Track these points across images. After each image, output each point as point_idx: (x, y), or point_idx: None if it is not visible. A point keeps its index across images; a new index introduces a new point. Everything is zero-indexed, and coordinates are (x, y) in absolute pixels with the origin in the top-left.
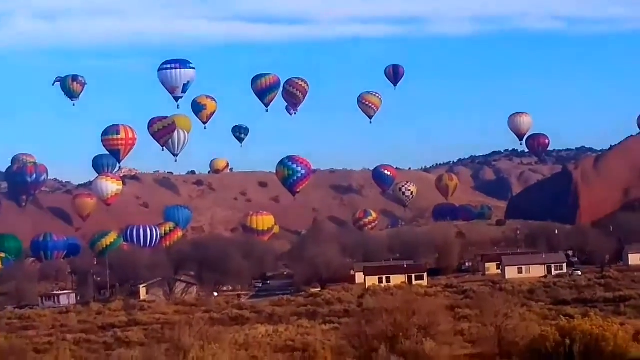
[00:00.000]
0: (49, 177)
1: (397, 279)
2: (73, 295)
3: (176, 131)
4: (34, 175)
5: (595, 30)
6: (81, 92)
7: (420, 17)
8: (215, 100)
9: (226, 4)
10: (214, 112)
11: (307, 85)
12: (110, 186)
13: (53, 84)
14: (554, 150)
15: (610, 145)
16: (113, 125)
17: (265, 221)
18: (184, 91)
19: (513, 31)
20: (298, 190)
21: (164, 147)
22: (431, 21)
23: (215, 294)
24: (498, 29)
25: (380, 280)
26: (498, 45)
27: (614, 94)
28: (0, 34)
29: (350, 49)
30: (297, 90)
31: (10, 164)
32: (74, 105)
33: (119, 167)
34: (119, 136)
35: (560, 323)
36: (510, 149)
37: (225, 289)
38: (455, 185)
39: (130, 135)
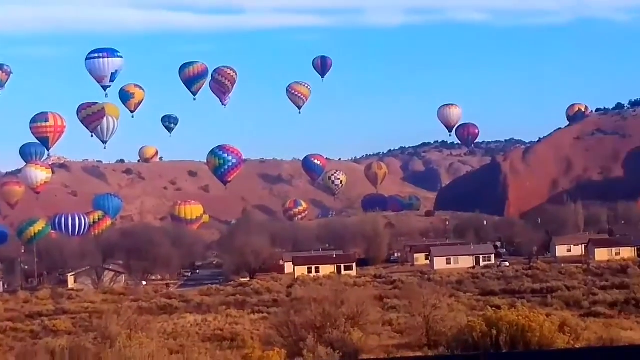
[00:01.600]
0: None
1: (326, 269)
2: (0, 284)
3: (105, 118)
4: None
5: (524, 23)
6: (7, 81)
7: (351, 8)
8: (143, 89)
9: None
10: (141, 101)
11: (236, 74)
12: (40, 174)
13: None
14: (483, 142)
15: (539, 138)
16: (42, 112)
17: (193, 210)
18: (112, 80)
19: (444, 23)
20: (229, 179)
21: (93, 134)
22: (362, 12)
23: (144, 282)
24: (428, 20)
25: (310, 270)
26: (428, 37)
27: (544, 86)
28: None
29: (281, 39)
30: (225, 79)
31: None
32: None
33: (48, 155)
34: (48, 124)
35: (487, 314)
36: (439, 141)
37: (154, 277)
38: (384, 173)
39: (59, 123)
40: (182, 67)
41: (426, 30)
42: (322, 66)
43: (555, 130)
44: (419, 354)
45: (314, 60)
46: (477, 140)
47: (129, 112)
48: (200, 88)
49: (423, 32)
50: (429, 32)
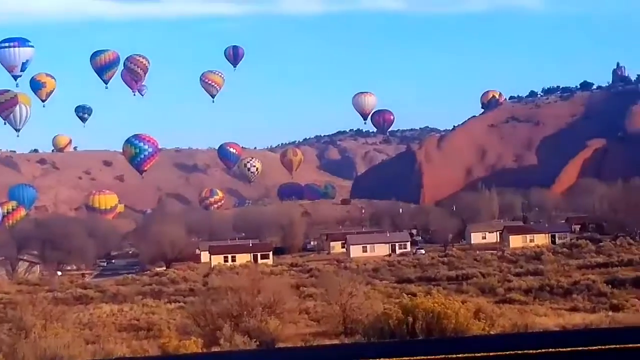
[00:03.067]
0: None
1: (243, 258)
2: None
3: (18, 105)
4: None
5: (436, 10)
6: None
7: None
8: (54, 79)
9: None
10: (53, 90)
11: (148, 62)
12: None
13: None
14: (398, 130)
15: (454, 126)
16: None
17: (108, 200)
18: (22, 69)
19: (360, 11)
20: (145, 168)
21: (6, 122)
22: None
23: (59, 273)
24: (345, 9)
25: (226, 259)
26: (344, 25)
27: (458, 75)
28: None
29: (197, 28)
30: (137, 67)
31: None
32: None
33: None
34: None
35: (403, 301)
36: (355, 129)
37: (69, 268)
38: (300, 160)
39: None
40: (93, 55)
41: (342, 18)
42: (234, 56)
43: (469, 118)
44: (335, 341)
45: (225, 50)
46: (392, 129)
47: (41, 101)
48: (112, 76)
49: (339, 20)
50: (345, 20)
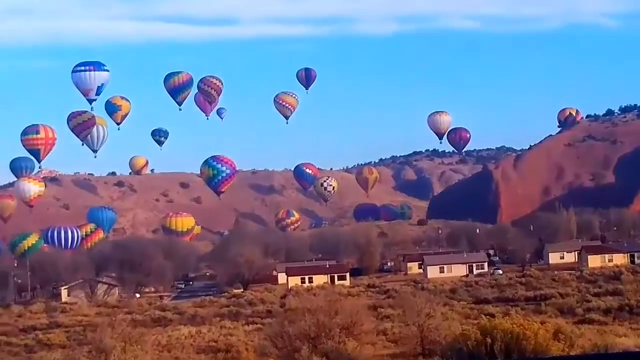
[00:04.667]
0: None
1: (320, 279)
2: None
3: (95, 126)
4: None
5: (512, 29)
6: None
7: (344, 18)
8: (129, 101)
9: (147, 4)
10: (128, 113)
11: (222, 83)
12: (33, 187)
13: None
14: (474, 150)
15: (530, 145)
16: (33, 125)
17: (184, 222)
18: (97, 93)
19: (434, 30)
20: (223, 190)
21: (84, 142)
22: (355, 21)
23: (137, 295)
24: (420, 29)
25: (303, 281)
26: (420, 45)
27: (534, 93)
28: None
29: (272, 50)
30: (211, 88)
31: None
32: None
33: (39, 169)
34: (39, 136)
35: (482, 322)
36: (431, 149)
37: (147, 290)
38: (375, 178)
39: (50, 135)
40: (167, 77)
41: (418, 38)
42: (307, 78)
43: (546, 137)
44: None
45: (297, 72)
46: (468, 148)
47: (115, 124)
48: (185, 98)
49: (415, 40)
50: (421, 40)
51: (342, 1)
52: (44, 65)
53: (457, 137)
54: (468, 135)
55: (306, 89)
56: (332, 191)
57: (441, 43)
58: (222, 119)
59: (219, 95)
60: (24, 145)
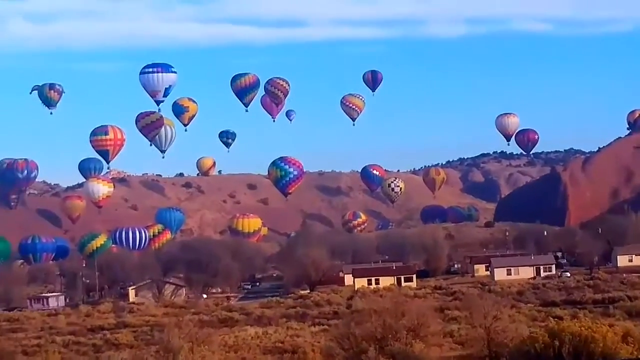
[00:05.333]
0: (37, 178)
1: (386, 281)
2: (62, 298)
3: (163, 127)
4: (25, 172)
5: (582, 32)
6: (59, 100)
7: (413, 20)
8: (196, 103)
9: (214, 6)
10: (195, 115)
11: (288, 85)
12: (102, 188)
13: (30, 93)
14: (542, 152)
15: (599, 147)
16: (102, 125)
17: (251, 223)
18: (165, 95)
19: (502, 33)
20: (290, 191)
21: (152, 143)
22: (424, 23)
23: (204, 295)
24: (489, 31)
25: (370, 282)
26: (488, 47)
27: (603, 95)
28: None
29: (340, 51)
30: (277, 89)
31: None
32: (51, 113)
33: (108, 169)
34: (108, 137)
35: (549, 324)
36: (498, 151)
37: (214, 291)
38: (442, 179)
39: (119, 136)
40: (234, 79)
41: (487, 40)
42: (373, 80)
43: (615, 140)
44: None
45: (364, 75)
46: (536, 151)
47: (183, 125)
48: (252, 99)
49: (484, 42)
50: (490, 42)
51: (411, 3)
52: (113, 67)
53: (525, 138)
54: (536, 136)
55: (372, 91)
56: (400, 192)
57: (510, 45)
58: (290, 121)
59: (285, 96)
60: (93, 146)
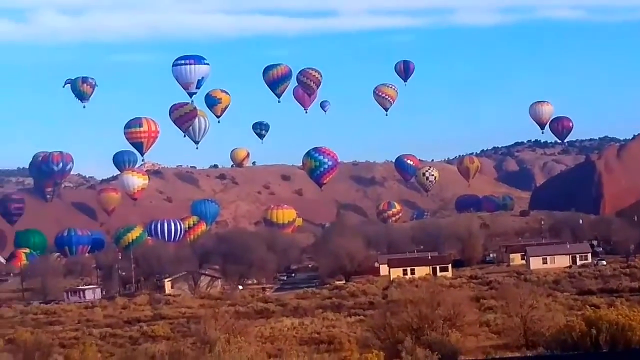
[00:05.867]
0: (72, 171)
1: (422, 271)
2: (98, 290)
3: (197, 118)
4: (60, 164)
5: (616, 19)
6: (91, 93)
7: (444, 9)
8: (229, 94)
9: None
10: (227, 106)
11: (321, 75)
12: (137, 180)
13: (64, 86)
14: (577, 140)
15: (634, 135)
16: (136, 118)
17: (286, 214)
18: (198, 87)
19: (534, 20)
20: (325, 181)
21: (186, 134)
22: (454, 12)
23: (240, 287)
24: (519, 19)
25: (405, 272)
26: (519, 35)
27: (637, 82)
28: (25, 29)
29: (370, 41)
30: (310, 80)
31: (32, 159)
32: (84, 107)
33: (143, 162)
34: (142, 129)
35: (586, 313)
36: (533, 140)
37: (249, 282)
38: (477, 167)
39: (153, 128)
40: (266, 70)
41: (519, 28)
42: (405, 70)
43: None
44: (517, 354)
45: (396, 65)
46: (570, 139)
47: (215, 117)
48: (284, 90)
49: (516, 30)
50: (522, 30)
51: None
52: (145, 59)
53: (560, 126)
54: (570, 124)
55: (404, 82)
56: (434, 181)
57: (543, 33)
58: (325, 111)
59: (318, 87)
60: (127, 139)
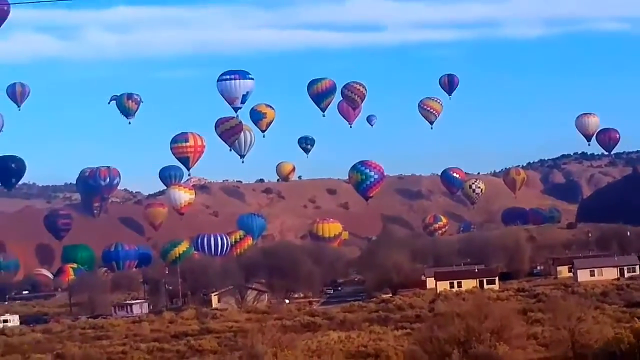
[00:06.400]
0: (119, 187)
1: (469, 284)
2: (145, 305)
3: (242, 132)
4: (107, 179)
5: None
6: (137, 110)
7: (489, 22)
8: (273, 109)
9: (290, 12)
10: (272, 120)
11: (365, 89)
12: (183, 195)
13: (109, 103)
14: (624, 152)
15: None
16: (182, 133)
17: (332, 228)
18: (243, 102)
19: (580, 33)
20: (371, 195)
21: (231, 148)
22: (500, 25)
23: (287, 301)
24: (564, 31)
25: (452, 285)
26: (564, 47)
27: None
28: (72, 46)
29: (415, 54)
30: (354, 94)
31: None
32: (129, 123)
33: (189, 177)
34: (188, 144)
35: (635, 325)
36: (579, 152)
37: (296, 295)
38: (523, 179)
39: (199, 143)
40: (311, 84)
41: (565, 40)
42: (449, 84)
43: None
44: None
45: (440, 79)
46: (617, 151)
47: (260, 131)
48: (329, 104)
49: (562, 42)
50: (568, 42)
51: (488, 5)
52: (190, 75)
53: (607, 137)
54: (617, 135)
55: (449, 95)
56: (481, 193)
57: (588, 45)
58: (372, 125)
59: (362, 101)
60: (173, 154)
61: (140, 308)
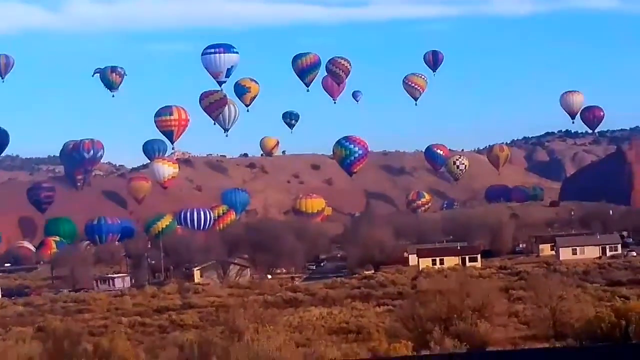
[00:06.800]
0: (103, 160)
1: (451, 261)
2: (128, 279)
3: (227, 106)
4: (91, 151)
5: None
6: (120, 83)
7: None
8: (258, 83)
9: None
10: (256, 95)
11: (350, 64)
12: (167, 169)
13: (93, 75)
14: (608, 130)
15: None
16: (166, 106)
17: (314, 204)
18: (227, 75)
19: (566, 10)
20: (355, 170)
21: (216, 122)
22: (486, 1)
23: (269, 276)
24: (551, 8)
25: (434, 262)
26: (550, 24)
27: None
28: (57, 17)
29: (400, 30)
30: (339, 69)
31: (63, 147)
32: (113, 96)
33: (173, 150)
34: (172, 117)
35: (616, 304)
36: (563, 130)
37: (278, 271)
38: (506, 155)
39: (183, 116)
40: (295, 58)
41: (551, 17)
42: (434, 61)
43: None
44: (545, 345)
45: (425, 55)
46: (601, 129)
47: (244, 105)
48: (313, 79)
49: (547, 19)
50: (554, 19)
51: None
52: (177, 48)
53: (591, 115)
54: (602, 113)
55: (433, 72)
56: (464, 169)
57: (574, 22)
58: (357, 101)
59: (347, 76)
60: (157, 127)
61: (122, 282)
